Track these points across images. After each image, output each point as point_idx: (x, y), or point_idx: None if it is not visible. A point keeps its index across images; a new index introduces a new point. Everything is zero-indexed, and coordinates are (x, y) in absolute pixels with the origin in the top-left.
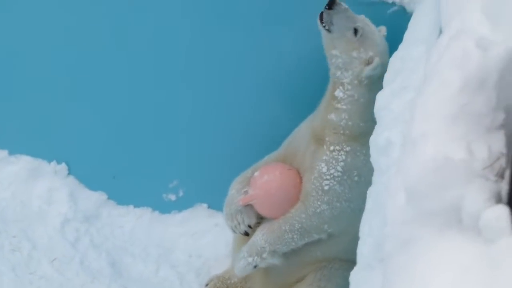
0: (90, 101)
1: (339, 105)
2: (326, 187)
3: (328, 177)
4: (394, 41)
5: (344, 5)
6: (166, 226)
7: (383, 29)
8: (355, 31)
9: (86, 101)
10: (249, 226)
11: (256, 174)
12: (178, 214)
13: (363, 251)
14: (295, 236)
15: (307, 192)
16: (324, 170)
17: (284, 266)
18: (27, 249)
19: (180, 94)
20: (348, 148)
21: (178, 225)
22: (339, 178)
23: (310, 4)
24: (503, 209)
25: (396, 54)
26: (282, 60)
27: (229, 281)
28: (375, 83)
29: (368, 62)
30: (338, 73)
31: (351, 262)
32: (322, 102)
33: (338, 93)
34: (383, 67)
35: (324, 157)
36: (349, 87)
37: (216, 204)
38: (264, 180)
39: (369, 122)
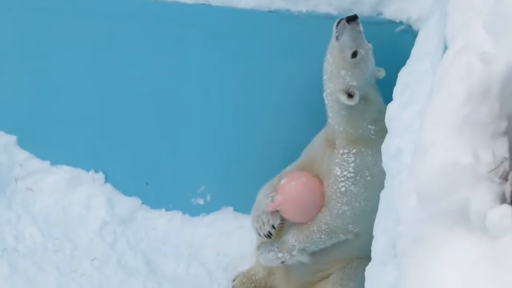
0: (124, 115)
1: (328, 111)
2: (342, 189)
3: (342, 179)
4: (402, 57)
5: (360, 27)
6: (195, 227)
7: (382, 71)
8: (355, 53)
9: (120, 115)
10: (273, 227)
11: (282, 181)
12: (206, 217)
13: (377, 248)
14: (322, 236)
15: (329, 196)
16: (338, 173)
17: (304, 266)
18: (69, 250)
19: (208, 109)
20: (354, 150)
21: (206, 227)
22: (353, 179)
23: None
24: (507, 208)
25: (404, 69)
26: (302, 77)
27: (254, 277)
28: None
29: (348, 91)
30: (325, 77)
31: (368, 259)
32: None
33: (325, 97)
34: (363, 99)
35: (337, 160)
36: (329, 97)
37: (240, 207)
38: (291, 186)
39: (359, 129)
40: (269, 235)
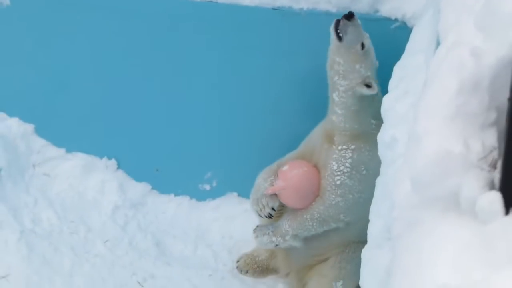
0: (136, 107)
1: (336, 108)
2: (338, 182)
3: (339, 173)
4: (397, 51)
5: (358, 20)
6: (202, 211)
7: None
8: (363, 45)
9: (132, 106)
10: (273, 209)
11: (285, 168)
12: (212, 201)
13: (373, 231)
14: (314, 224)
15: (324, 187)
16: (335, 167)
17: (304, 249)
18: (83, 232)
19: (214, 101)
20: (353, 146)
21: (212, 211)
22: (349, 173)
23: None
24: (496, 195)
25: (399, 63)
26: (303, 71)
27: (257, 258)
28: (366, 96)
29: (365, 82)
30: (336, 78)
31: (365, 243)
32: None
33: (335, 96)
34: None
35: (334, 156)
36: (343, 94)
37: (245, 193)
38: (293, 173)
39: (364, 124)
40: (270, 216)
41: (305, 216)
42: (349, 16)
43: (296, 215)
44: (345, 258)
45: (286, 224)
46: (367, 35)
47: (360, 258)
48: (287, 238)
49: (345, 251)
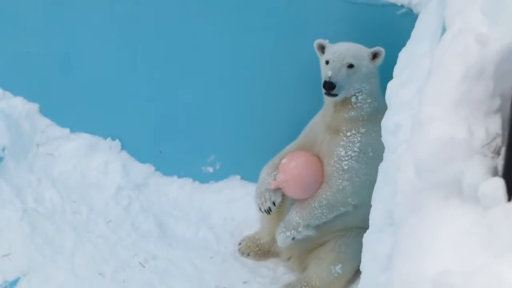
0: (141, 89)
1: (357, 104)
2: (345, 167)
3: (346, 158)
4: (402, 38)
5: (333, 77)
6: (204, 194)
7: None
8: (350, 65)
9: (137, 88)
10: (273, 204)
11: (284, 161)
12: (215, 184)
13: (375, 217)
14: (324, 211)
15: (329, 174)
16: (343, 153)
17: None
18: (86, 212)
19: (219, 84)
20: (363, 130)
21: (215, 193)
22: (356, 157)
23: None
24: (499, 181)
25: (404, 50)
26: (309, 54)
27: (258, 241)
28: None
29: (373, 56)
30: (362, 85)
31: (366, 229)
32: (329, 107)
33: (354, 99)
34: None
35: (341, 143)
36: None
37: (247, 176)
38: (292, 166)
39: (379, 100)
40: (268, 211)
41: (313, 205)
42: (327, 89)
43: (303, 206)
44: (345, 242)
45: (296, 216)
46: (330, 45)
47: (360, 243)
48: (300, 229)
49: (346, 236)
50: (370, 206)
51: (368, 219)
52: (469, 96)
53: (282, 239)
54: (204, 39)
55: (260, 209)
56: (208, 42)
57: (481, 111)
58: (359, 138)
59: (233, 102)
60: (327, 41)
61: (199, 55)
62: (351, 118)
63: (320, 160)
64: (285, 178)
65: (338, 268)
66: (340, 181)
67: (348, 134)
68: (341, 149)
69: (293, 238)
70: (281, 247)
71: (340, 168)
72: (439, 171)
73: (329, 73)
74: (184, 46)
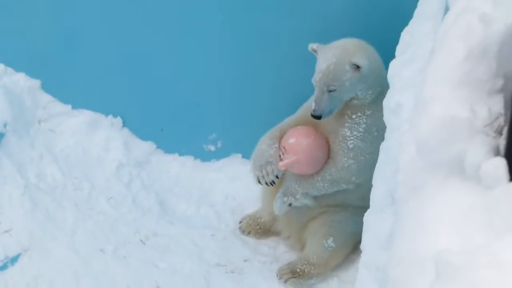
0: (143, 65)
1: (358, 98)
2: (351, 146)
3: (352, 138)
4: (405, 17)
5: (316, 110)
6: (206, 172)
7: None
8: (330, 90)
9: (139, 65)
10: (277, 177)
11: (291, 140)
12: (217, 162)
13: (376, 197)
14: (325, 185)
15: (335, 152)
16: (348, 133)
17: (306, 210)
18: (87, 189)
19: (220, 62)
20: (369, 112)
21: (216, 171)
22: (362, 137)
23: None
24: (501, 161)
25: (406, 29)
26: (309, 33)
27: (259, 220)
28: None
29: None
30: (370, 92)
31: (363, 208)
32: None
33: (355, 96)
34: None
35: (347, 124)
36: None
37: (249, 154)
38: (304, 146)
39: (383, 85)
40: (272, 184)
41: (316, 178)
42: (315, 118)
43: (306, 176)
44: (336, 219)
45: (295, 184)
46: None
47: (355, 221)
48: (297, 196)
49: (340, 213)
50: (371, 185)
51: (367, 198)
52: (472, 76)
53: (278, 205)
54: (204, 17)
55: (259, 181)
56: (209, 19)
57: (484, 90)
58: (364, 120)
59: (234, 80)
60: (316, 45)
61: (200, 32)
62: (355, 106)
63: (325, 136)
64: (297, 158)
65: (330, 241)
66: (345, 159)
67: (353, 116)
68: (346, 129)
69: (290, 205)
70: (281, 226)
71: (346, 147)
72: (441, 150)
73: (313, 106)
74: (185, 23)
